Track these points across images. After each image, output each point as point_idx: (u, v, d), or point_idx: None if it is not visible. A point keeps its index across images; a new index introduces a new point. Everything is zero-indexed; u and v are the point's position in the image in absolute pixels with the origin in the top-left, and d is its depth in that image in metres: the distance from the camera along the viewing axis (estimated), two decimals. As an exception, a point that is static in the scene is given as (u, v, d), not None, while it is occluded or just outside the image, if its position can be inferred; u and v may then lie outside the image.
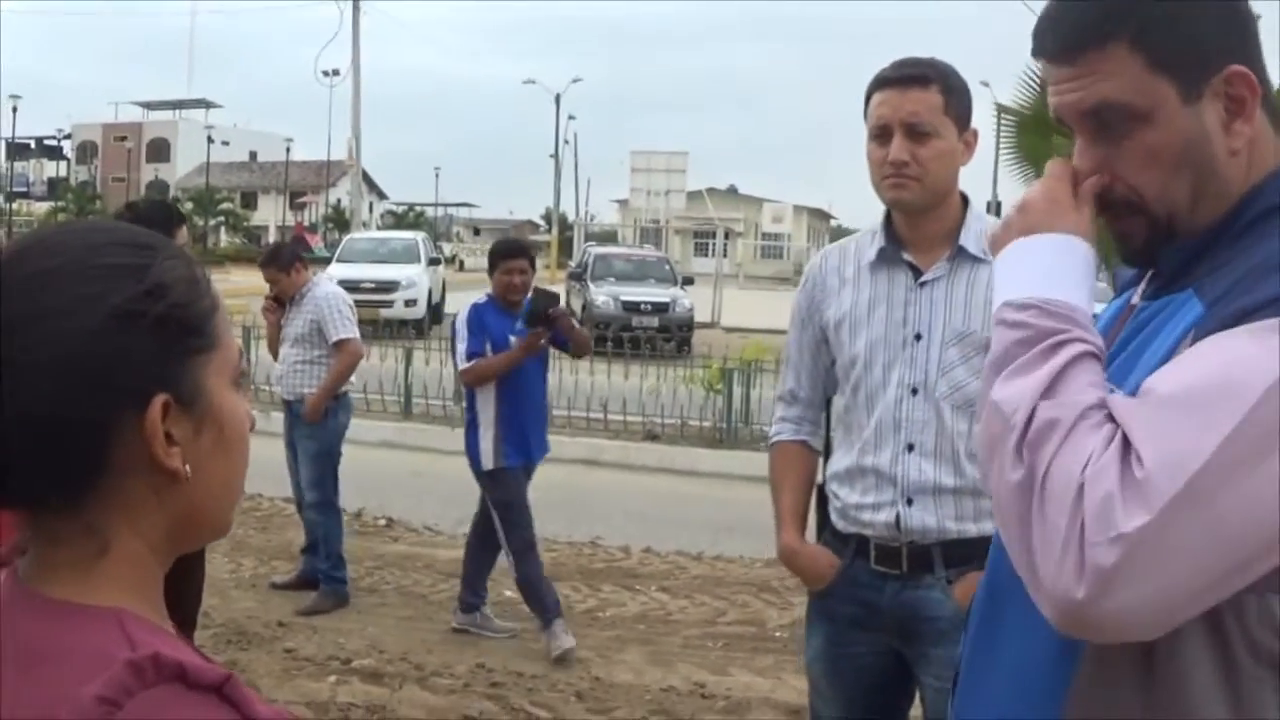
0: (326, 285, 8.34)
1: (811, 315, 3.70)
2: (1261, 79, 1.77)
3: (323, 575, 7.98)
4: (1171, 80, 1.74)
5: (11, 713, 1.18)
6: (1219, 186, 1.77)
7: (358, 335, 8.22)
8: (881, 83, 3.42)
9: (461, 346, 7.20)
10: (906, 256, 3.49)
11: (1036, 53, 1.88)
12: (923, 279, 3.46)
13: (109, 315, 1.23)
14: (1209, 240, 1.78)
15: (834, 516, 3.63)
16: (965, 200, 3.54)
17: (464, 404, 7.73)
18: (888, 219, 3.54)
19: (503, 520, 7.26)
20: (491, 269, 7.41)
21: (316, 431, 8.16)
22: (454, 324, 7.39)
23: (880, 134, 3.41)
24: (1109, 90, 1.77)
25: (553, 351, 7.70)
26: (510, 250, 7.49)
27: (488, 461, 7.22)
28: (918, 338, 3.44)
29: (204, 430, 1.30)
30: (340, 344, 8.06)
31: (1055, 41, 1.84)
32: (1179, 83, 1.74)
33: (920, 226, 3.48)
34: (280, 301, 8.37)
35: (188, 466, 1.27)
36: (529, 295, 7.19)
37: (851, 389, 3.57)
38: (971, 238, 3.44)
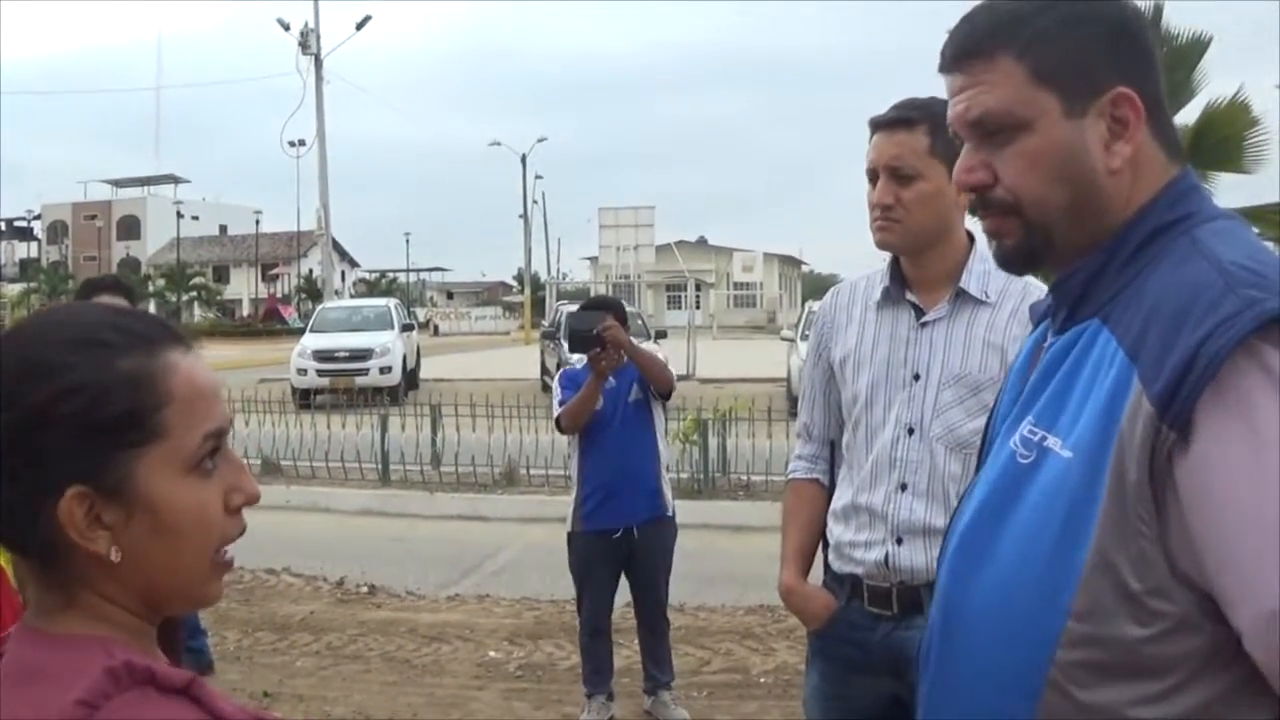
0: None
1: (820, 352, 3.73)
2: (1152, 103, 1.83)
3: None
4: (1055, 93, 1.82)
5: None
6: (1099, 204, 1.83)
7: None
8: (873, 126, 3.45)
9: (556, 400, 6.88)
10: (910, 297, 3.50)
11: (939, 68, 1.95)
12: (924, 319, 3.46)
13: (27, 412, 1.35)
14: (1103, 262, 1.83)
15: (830, 555, 3.63)
16: (972, 239, 3.53)
17: None
18: (895, 259, 3.55)
19: (574, 585, 7.05)
20: None
21: None
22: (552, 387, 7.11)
23: (871, 177, 3.43)
24: (992, 101, 1.84)
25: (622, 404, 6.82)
26: (592, 307, 7.03)
27: (568, 523, 6.95)
28: (916, 378, 3.43)
29: (135, 517, 1.39)
30: None
31: (949, 52, 1.92)
32: (1062, 96, 1.81)
33: (922, 267, 3.49)
34: None
35: (115, 549, 1.38)
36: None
37: (853, 426, 3.58)
38: (974, 279, 3.44)
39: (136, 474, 1.38)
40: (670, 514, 6.95)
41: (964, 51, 1.89)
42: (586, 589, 6.90)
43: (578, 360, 6.94)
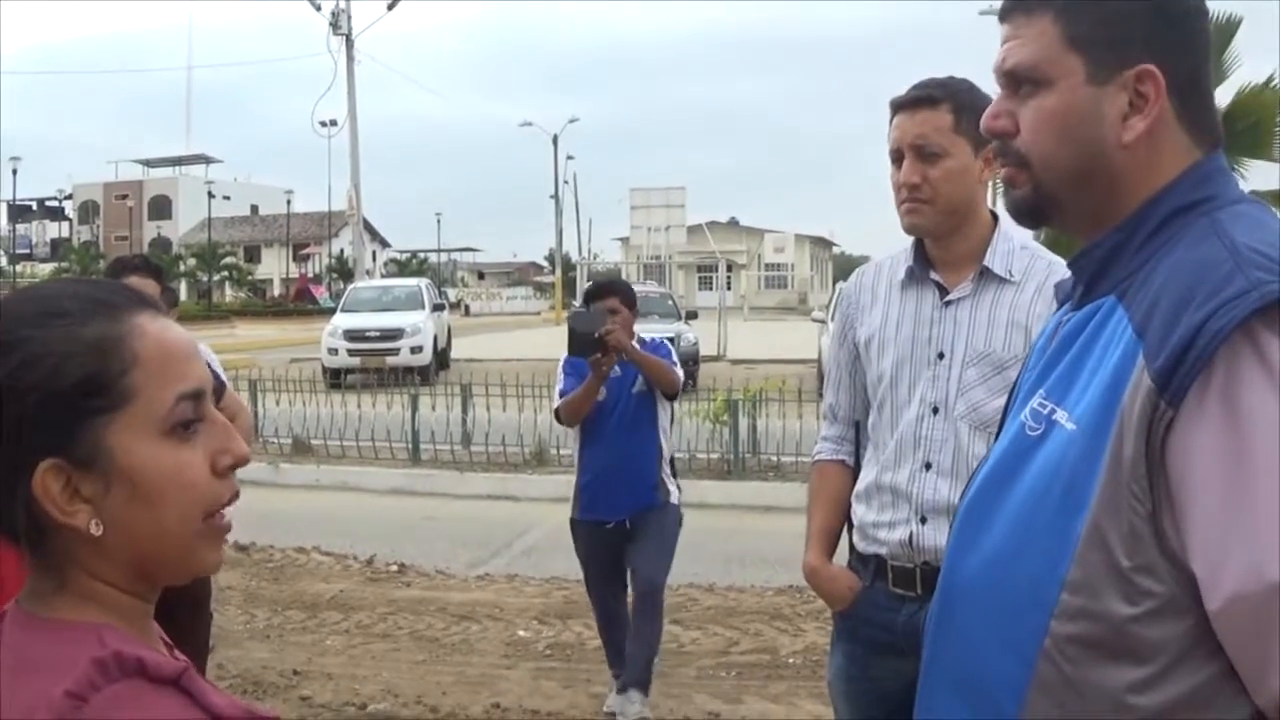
0: None
1: (846, 333, 3.72)
2: (1183, 85, 1.84)
3: None
4: (1082, 58, 1.84)
5: (3, 713, 1.28)
6: (1106, 174, 1.85)
7: None
8: (894, 107, 3.45)
9: (557, 388, 6.66)
10: (934, 276, 3.49)
11: (998, 18, 1.99)
12: (948, 298, 3.46)
13: None
14: (1121, 240, 1.85)
15: (855, 536, 3.64)
16: (995, 218, 3.52)
17: None
18: (918, 238, 3.55)
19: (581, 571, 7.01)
20: None
21: None
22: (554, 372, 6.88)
23: (895, 158, 3.44)
24: (1024, 55, 1.88)
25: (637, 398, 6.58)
26: (599, 290, 6.76)
27: (569, 510, 6.88)
28: (940, 357, 3.43)
29: (114, 486, 1.36)
30: None
31: (1004, 3, 1.96)
32: (1088, 62, 1.84)
33: (946, 246, 3.49)
34: None
35: (96, 522, 1.35)
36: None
37: (878, 406, 3.57)
38: (998, 258, 3.43)
39: (109, 441, 1.35)
40: (673, 501, 6.70)
41: (1012, 4, 1.94)
42: (590, 576, 6.86)
43: None
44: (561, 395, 6.59)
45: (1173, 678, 1.65)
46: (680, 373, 6.70)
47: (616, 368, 6.45)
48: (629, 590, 6.82)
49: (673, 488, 6.72)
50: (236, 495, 1.47)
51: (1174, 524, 1.63)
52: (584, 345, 6.25)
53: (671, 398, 6.65)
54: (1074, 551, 1.70)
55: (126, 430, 1.36)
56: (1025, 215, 1.99)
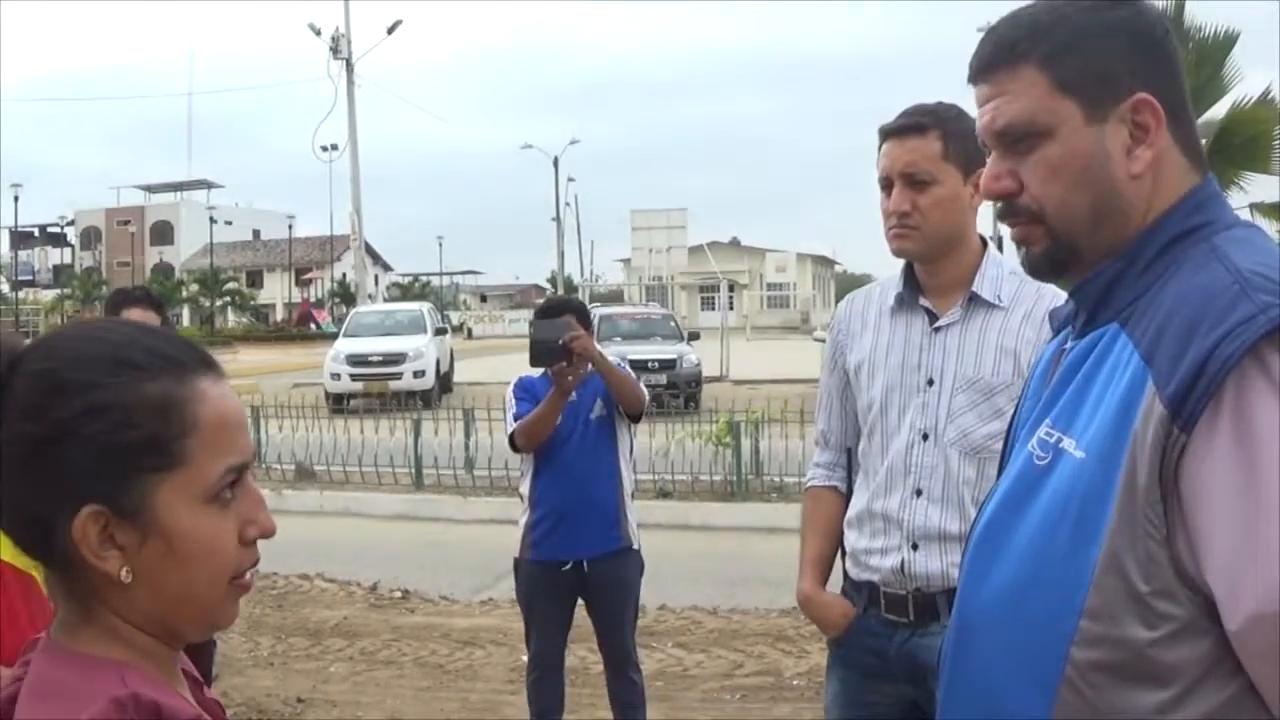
0: None
1: (836, 359, 3.73)
2: (1174, 108, 1.85)
3: None
4: (1076, 101, 1.84)
5: None
6: (1121, 208, 1.85)
7: None
8: (884, 134, 3.46)
9: (510, 414, 5.99)
10: (923, 302, 3.50)
11: (967, 80, 1.98)
12: (937, 324, 3.47)
13: (53, 426, 1.35)
14: (1123, 267, 1.85)
15: (848, 563, 3.64)
16: (985, 244, 3.54)
17: None
18: (908, 264, 3.56)
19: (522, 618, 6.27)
20: None
21: None
22: (504, 398, 6.19)
23: (884, 185, 3.44)
24: (1016, 110, 1.88)
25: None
26: (553, 307, 6.23)
27: (516, 548, 6.13)
28: (930, 383, 3.44)
29: (149, 541, 1.39)
30: None
31: (976, 64, 1.95)
32: (1083, 104, 1.84)
33: (936, 272, 3.50)
34: None
35: (126, 570, 1.38)
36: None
37: (868, 433, 3.58)
38: (987, 283, 3.45)
39: (154, 499, 1.38)
40: (634, 546, 6.05)
41: (988, 63, 1.93)
42: (532, 624, 6.13)
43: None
44: (516, 419, 5.95)
45: (1195, 698, 1.67)
46: (645, 391, 6.19)
47: (574, 393, 5.86)
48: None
49: (634, 527, 6.08)
50: (256, 562, 1.50)
51: (1189, 547, 1.65)
52: (547, 354, 5.75)
53: (636, 418, 6.10)
54: (1091, 579, 1.71)
55: (173, 492, 1.39)
56: (1046, 270, 1.98)
